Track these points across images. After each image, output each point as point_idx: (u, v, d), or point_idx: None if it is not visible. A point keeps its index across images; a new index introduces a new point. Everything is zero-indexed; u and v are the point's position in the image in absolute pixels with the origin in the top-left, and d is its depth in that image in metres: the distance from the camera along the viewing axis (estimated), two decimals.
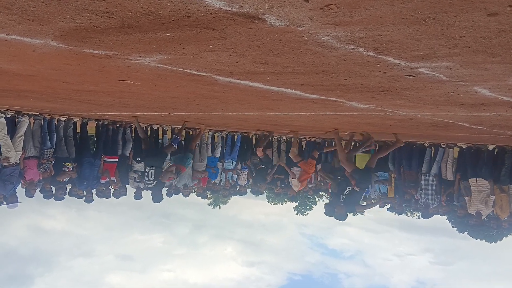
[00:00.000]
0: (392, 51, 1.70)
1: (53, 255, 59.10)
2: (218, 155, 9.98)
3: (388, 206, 10.00)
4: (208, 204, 33.19)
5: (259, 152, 8.86)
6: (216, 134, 10.02)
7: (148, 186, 8.10)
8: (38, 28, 1.62)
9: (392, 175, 9.45)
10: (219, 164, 10.04)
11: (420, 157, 8.63)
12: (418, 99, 2.86)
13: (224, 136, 10.24)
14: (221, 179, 10.21)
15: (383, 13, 1.30)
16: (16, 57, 2.25)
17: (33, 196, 7.50)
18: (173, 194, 9.35)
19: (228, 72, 2.33)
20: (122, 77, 2.75)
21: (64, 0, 1.31)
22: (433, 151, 8.58)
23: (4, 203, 7.00)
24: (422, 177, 8.54)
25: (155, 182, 7.98)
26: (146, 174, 8.19)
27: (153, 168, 7.98)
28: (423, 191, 8.56)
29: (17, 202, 7.16)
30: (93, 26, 1.56)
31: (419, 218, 12.30)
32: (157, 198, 8.16)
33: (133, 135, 8.83)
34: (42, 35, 1.72)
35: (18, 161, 6.77)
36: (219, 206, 33.24)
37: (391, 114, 3.85)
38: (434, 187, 8.46)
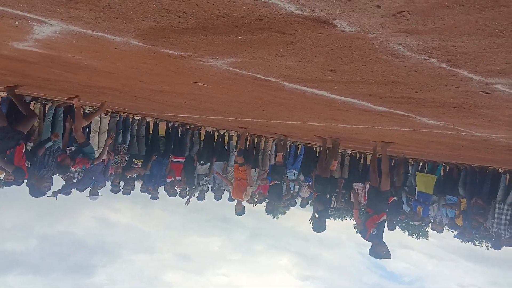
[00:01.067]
0: (467, 64, 1.63)
1: (117, 248, 62.04)
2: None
3: (455, 232, 9.49)
4: (268, 214, 33.19)
5: (279, 158, 8.64)
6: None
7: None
8: (121, 26, 1.74)
9: (462, 200, 8.95)
10: None
11: (494, 183, 8.11)
12: (493, 118, 2.71)
13: (288, 145, 10.27)
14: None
15: (458, 22, 1.26)
16: (99, 54, 2.42)
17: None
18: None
19: (296, 79, 2.35)
20: (194, 79, 2.86)
21: (147, 0, 1.40)
22: (508, 178, 8.04)
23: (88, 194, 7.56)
24: (496, 205, 8.00)
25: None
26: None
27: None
28: (496, 220, 8.01)
29: (98, 194, 7.67)
30: (171, 26, 1.65)
31: (488, 249, 11.50)
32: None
33: (201, 138, 9.14)
34: (124, 33, 1.84)
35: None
36: (277, 216, 33.16)
37: (463, 133, 3.67)
38: (508, 217, 7.91)
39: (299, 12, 1.35)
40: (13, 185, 6.57)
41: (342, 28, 1.43)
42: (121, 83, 3.68)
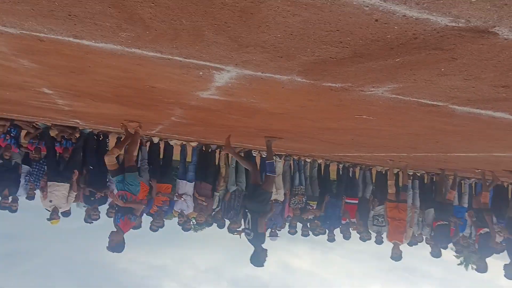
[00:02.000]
0: None
1: None
2: (465, 205, 9.11)
3: None
4: (458, 264, 29.96)
5: (450, 195, 7.61)
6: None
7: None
8: (286, 64, 1.92)
9: None
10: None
11: None
12: None
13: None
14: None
15: None
16: (269, 95, 2.68)
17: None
18: None
19: (466, 100, 2.21)
20: (358, 112, 2.91)
21: (305, 34, 1.54)
22: None
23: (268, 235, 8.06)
24: None
25: None
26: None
27: None
28: None
29: (277, 236, 8.10)
30: (330, 57, 1.77)
31: None
32: None
33: (373, 178, 8.98)
34: (289, 71, 2.03)
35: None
36: (470, 267, 29.53)
37: None
38: None
39: (453, 24, 1.32)
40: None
41: (505, 36, 1.34)
42: (291, 124, 3.93)
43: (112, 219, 5.47)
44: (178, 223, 7.67)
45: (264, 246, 5.24)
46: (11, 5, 1.58)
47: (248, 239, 5.30)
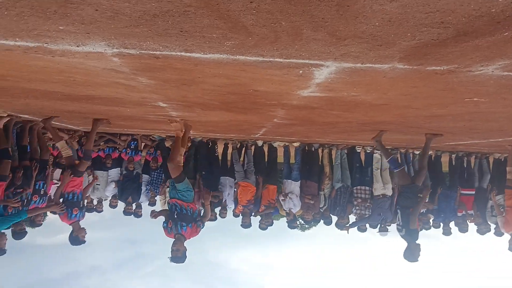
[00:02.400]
0: None
1: None
2: None
3: None
4: None
5: None
6: None
7: None
8: (386, 52, 1.92)
9: None
10: None
11: None
12: None
13: None
14: None
15: None
16: (370, 86, 2.67)
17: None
18: None
19: None
20: (467, 94, 2.77)
21: (404, 19, 1.54)
22: None
23: (378, 230, 7.91)
24: None
25: None
26: None
27: None
28: None
29: (387, 231, 7.91)
30: (431, 40, 1.73)
31: None
32: None
33: (490, 167, 8.33)
34: (389, 59, 2.02)
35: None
36: None
37: None
38: None
39: None
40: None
41: None
42: (395, 114, 3.84)
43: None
44: (287, 222, 7.87)
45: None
46: (131, 28, 1.80)
47: (400, 235, 5.36)
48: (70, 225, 5.87)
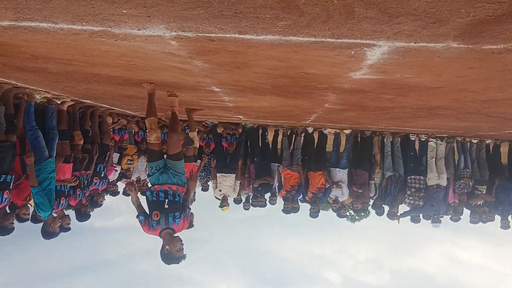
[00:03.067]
0: None
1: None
2: None
3: None
4: None
5: None
6: None
7: None
8: (439, 30, 1.90)
9: None
10: None
11: None
12: None
13: None
14: None
15: None
16: (424, 68, 2.63)
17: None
18: None
19: None
20: None
21: None
22: None
23: (430, 221, 7.71)
24: None
25: None
26: None
27: None
28: None
29: (440, 222, 7.71)
30: (487, 16, 1.70)
31: None
32: None
33: None
34: (443, 37, 1.99)
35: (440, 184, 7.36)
36: None
37: None
38: None
39: None
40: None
41: None
42: (450, 99, 3.74)
43: None
44: (333, 209, 7.83)
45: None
46: (189, 11, 1.90)
47: None
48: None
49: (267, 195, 7.99)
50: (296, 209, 7.70)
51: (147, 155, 4.06)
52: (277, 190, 7.92)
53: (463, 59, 2.35)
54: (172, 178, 4.17)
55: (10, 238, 5.02)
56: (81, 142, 5.99)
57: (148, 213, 4.00)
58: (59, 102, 5.60)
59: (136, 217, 4.01)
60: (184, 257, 3.87)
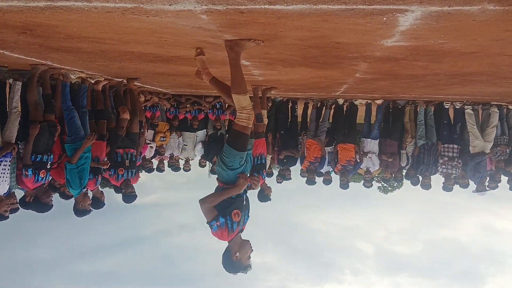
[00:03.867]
0: None
1: (505, 257, 57.28)
2: None
3: None
4: None
5: None
6: None
7: None
8: None
9: None
10: None
11: None
12: None
13: None
14: None
15: None
16: (459, 32, 2.56)
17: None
18: None
19: None
20: None
21: None
22: None
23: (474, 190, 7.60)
24: None
25: None
26: None
27: None
28: None
29: (486, 190, 7.57)
30: None
31: None
32: None
33: None
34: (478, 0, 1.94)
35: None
36: None
37: None
38: None
39: None
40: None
41: None
42: (486, 63, 3.63)
43: None
44: (365, 180, 7.83)
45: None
46: None
47: None
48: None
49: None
50: (346, 183, 7.69)
51: (232, 141, 3.17)
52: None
53: (499, 22, 2.29)
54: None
55: (52, 214, 5.23)
56: (127, 117, 5.90)
57: (222, 213, 3.16)
58: (93, 82, 5.75)
59: (211, 223, 3.14)
60: (251, 266, 3.22)
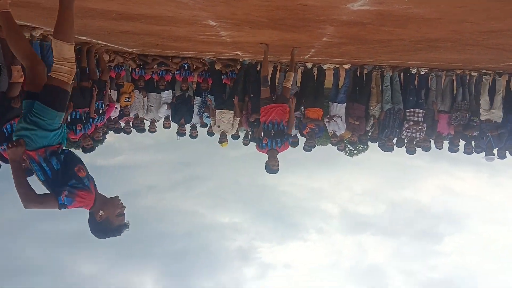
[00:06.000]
0: None
1: (462, 217, 60.36)
2: None
3: None
4: None
5: None
6: None
7: None
8: None
9: None
10: None
11: None
12: None
13: None
14: None
15: None
16: None
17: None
18: None
19: None
20: None
21: None
22: None
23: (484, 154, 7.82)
24: None
25: None
26: None
27: None
28: None
29: (495, 155, 7.78)
30: None
31: None
32: None
33: None
34: None
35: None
36: None
37: None
38: None
39: None
40: None
41: None
42: (450, 30, 3.69)
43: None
44: (331, 143, 7.98)
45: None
46: None
47: None
48: None
49: None
50: (313, 145, 7.77)
51: (50, 99, 2.69)
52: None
53: None
54: None
55: None
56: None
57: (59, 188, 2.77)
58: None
59: (61, 207, 2.73)
60: (126, 225, 2.98)
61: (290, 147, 5.86)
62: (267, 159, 5.43)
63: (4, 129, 4.83)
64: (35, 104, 2.71)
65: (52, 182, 2.78)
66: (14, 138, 2.72)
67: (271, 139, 5.42)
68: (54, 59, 2.73)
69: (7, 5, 2.70)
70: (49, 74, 2.75)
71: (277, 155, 5.42)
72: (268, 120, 5.52)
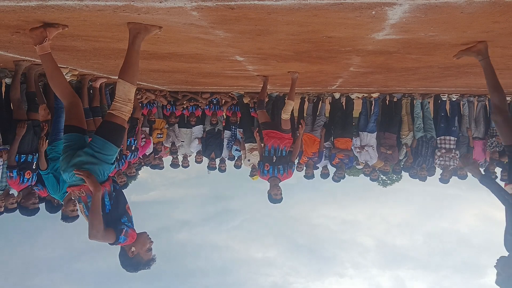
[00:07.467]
0: None
1: None
2: None
3: None
4: None
5: None
6: None
7: None
8: None
9: None
10: None
11: None
12: None
13: None
14: None
15: None
16: (448, 25, 2.58)
17: None
18: None
19: None
20: None
21: None
22: None
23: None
24: None
25: None
26: None
27: None
28: None
29: None
30: None
31: None
32: None
33: None
34: None
35: None
36: None
37: None
38: None
39: None
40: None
41: None
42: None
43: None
44: (364, 173, 7.88)
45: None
46: None
47: None
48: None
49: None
50: (342, 176, 7.72)
51: (110, 135, 2.85)
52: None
53: (487, 14, 2.31)
54: None
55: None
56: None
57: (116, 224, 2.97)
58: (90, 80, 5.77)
59: (118, 241, 2.90)
60: (154, 259, 3.10)
61: (304, 178, 5.63)
62: (268, 188, 5.26)
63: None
64: (96, 139, 2.84)
65: (110, 216, 2.88)
66: (72, 171, 2.76)
67: (273, 165, 5.28)
68: (117, 98, 2.86)
69: (48, 47, 2.88)
70: (110, 112, 2.88)
71: (279, 184, 5.27)
72: (270, 145, 5.40)
